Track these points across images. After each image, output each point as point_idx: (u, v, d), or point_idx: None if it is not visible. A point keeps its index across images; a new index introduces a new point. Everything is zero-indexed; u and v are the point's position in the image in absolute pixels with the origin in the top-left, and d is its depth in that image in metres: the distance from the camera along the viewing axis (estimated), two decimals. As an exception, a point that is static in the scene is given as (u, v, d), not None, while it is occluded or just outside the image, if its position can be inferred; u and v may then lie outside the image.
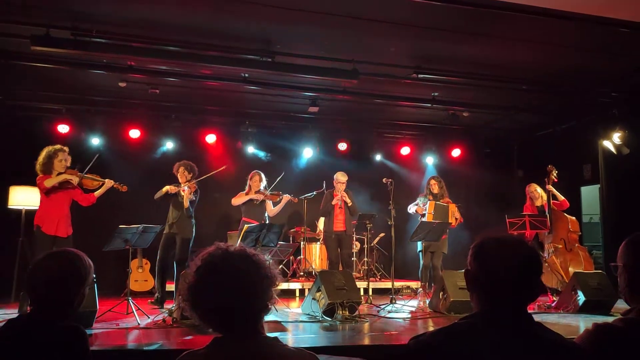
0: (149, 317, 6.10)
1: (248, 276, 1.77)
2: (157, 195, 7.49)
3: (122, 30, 6.47)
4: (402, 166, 11.49)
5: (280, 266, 8.92)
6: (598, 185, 9.79)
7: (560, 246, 8.01)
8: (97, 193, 6.83)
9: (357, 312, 6.51)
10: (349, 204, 8.60)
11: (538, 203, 8.35)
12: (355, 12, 5.99)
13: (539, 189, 8.34)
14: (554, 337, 1.77)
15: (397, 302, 7.65)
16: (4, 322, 2.35)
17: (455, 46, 6.97)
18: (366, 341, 5.22)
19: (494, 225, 8.49)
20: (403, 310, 7.27)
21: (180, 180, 7.57)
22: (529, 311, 1.84)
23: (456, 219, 8.43)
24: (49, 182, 6.38)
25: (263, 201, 8.43)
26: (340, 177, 8.68)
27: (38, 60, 7.04)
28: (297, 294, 9.22)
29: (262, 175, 8.52)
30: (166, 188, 7.48)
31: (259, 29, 6.55)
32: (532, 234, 8.01)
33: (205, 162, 8.31)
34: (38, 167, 6.49)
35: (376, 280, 9.98)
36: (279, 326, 5.93)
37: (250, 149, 10.49)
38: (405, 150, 11.41)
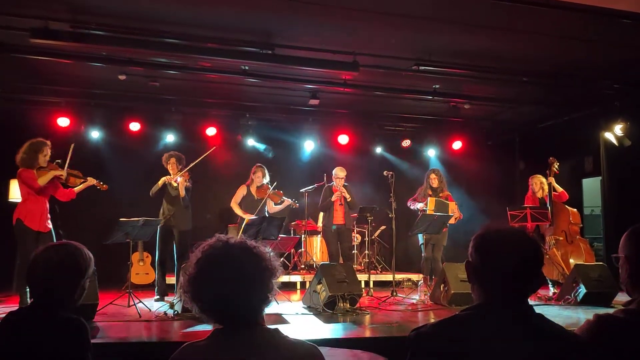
0: (150, 310, 6.11)
1: (248, 268, 1.77)
2: (154, 189, 7.48)
3: (122, 22, 6.44)
4: (403, 159, 11.48)
5: (281, 259, 8.93)
6: (599, 178, 9.77)
7: (561, 238, 8.02)
8: (77, 189, 6.77)
9: (358, 305, 6.52)
10: (348, 200, 8.60)
11: (539, 195, 8.34)
12: (356, 4, 5.96)
13: (543, 181, 8.31)
14: (555, 328, 1.77)
15: (398, 294, 7.66)
16: (4, 315, 2.36)
17: (457, 38, 6.94)
18: (367, 333, 5.23)
19: (495, 217, 8.48)
20: (404, 303, 7.28)
21: (170, 171, 7.57)
22: (530, 303, 1.84)
23: (456, 218, 8.43)
24: (42, 181, 6.31)
25: (264, 200, 8.48)
26: (339, 173, 8.66)
27: (37, 53, 7.01)
28: (298, 286, 9.24)
29: (266, 171, 8.57)
30: (163, 179, 7.47)
31: (259, 21, 6.52)
32: (533, 226, 8.01)
33: (212, 150, 8.27)
34: (19, 159, 6.38)
35: (377, 273, 9.99)
36: (279, 318, 5.94)
37: (250, 142, 10.49)
38: (406, 143, 11.39)
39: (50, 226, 6.50)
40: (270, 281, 1.81)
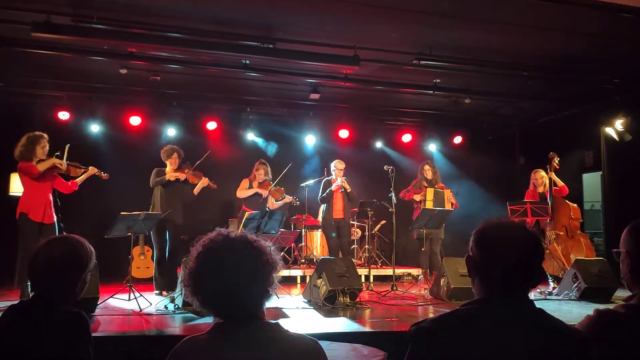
0: (150, 304, 6.12)
1: (249, 262, 1.77)
2: (159, 181, 7.46)
3: (123, 16, 6.43)
4: (404, 153, 11.47)
5: (282, 253, 8.94)
6: (600, 173, 9.77)
7: (561, 233, 8.02)
8: (79, 180, 6.80)
9: (358, 299, 6.53)
10: (348, 190, 8.63)
11: (540, 190, 8.33)
12: (357, -2, 5.95)
13: (545, 176, 8.30)
14: (555, 323, 1.78)
15: (398, 288, 7.67)
16: (5, 309, 2.36)
17: (457, 32, 6.93)
18: (367, 328, 5.24)
19: (496, 212, 8.48)
20: (404, 297, 7.29)
21: (170, 165, 7.54)
22: (530, 297, 1.84)
23: (452, 204, 8.45)
24: (42, 166, 6.33)
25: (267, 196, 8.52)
26: (338, 165, 8.74)
27: (38, 47, 7.01)
28: (299, 280, 9.25)
29: (268, 168, 8.60)
30: (175, 174, 7.46)
31: (260, 15, 6.51)
32: (533, 221, 8.01)
33: (206, 149, 8.28)
34: (18, 153, 6.39)
35: (377, 267, 10.00)
36: (280, 312, 5.95)
37: (251, 136, 10.49)
38: (406, 138, 11.40)
39: (55, 218, 6.52)
40: (270, 275, 1.81)
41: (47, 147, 6.57)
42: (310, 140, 10.86)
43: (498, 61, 7.80)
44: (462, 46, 7.36)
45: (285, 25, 6.83)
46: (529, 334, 1.72)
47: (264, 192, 8.43)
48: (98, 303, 5.76)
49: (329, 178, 8.80)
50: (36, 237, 6.04)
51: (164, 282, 7.31)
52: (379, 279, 9.43)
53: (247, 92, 9.59)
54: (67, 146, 6.78)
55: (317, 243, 10.22)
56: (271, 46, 7.03)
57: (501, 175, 11.05)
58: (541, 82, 8.74)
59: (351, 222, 9.37)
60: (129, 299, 6.21)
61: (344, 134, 10.85)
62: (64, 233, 5.40)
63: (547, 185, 8.18)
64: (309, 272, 8.83)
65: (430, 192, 8.45)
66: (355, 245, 10.20)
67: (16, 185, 8.37)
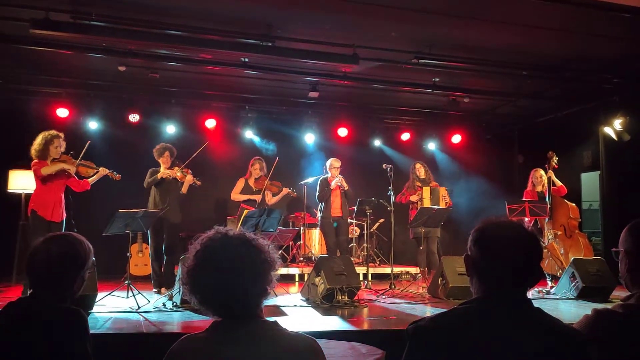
0: (148, 301, 6.12)
1: (247, 260, 1.76)
2: (151, 181, 7.45)
3: (122, 13, 6.41)
4: (402, 152, 11.46)
5: (280, 251, 8.94)
6: (598, 172, 9.78)
7: (560, 232, 8.03)
8: (91, 180, 6.84)
9: (356, 297, 6.53)
10: (346, 188, 8.65)
11: (539, 189, 8.35)
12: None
13: (544, 175, 8.32)
14: (553, 322, 1.78)
15: (396, 287, 7.68)
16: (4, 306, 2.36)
17: (457, 31, 6.92)
18: (365, 326, 5.24)
19: (494, 211, 8.49)
20: (402, 296, 7.29)
21: (162, 164, 7.54)
22: (528, 296, 1.85)
23: (446, 202, 8.45)
24: (46, 171, 6.37)
25: (263, 191, 8.51)
26: (335, 163, 8.75)
27: (37, 44, 6.99)
28: (297, 279, 9.25)
29: (263, 163, 8.59)
30: (166, 173, 7.46)
31: (260, 13, 6.50)
32: (531, 220, 8.03)
33: (205, 147, 8.27)
34: (33, 152, 6.48)
35: (375, 266, 10.00)
36: (278, 311, 5.95)
37: (249, 134, 10.48)
38: (405, 136, 11.40)
39: (64, 217, 6.54)
40: (269, 273, 1.81)
41: (63, 147, 6.62)
42: (309, 139, 10.85)
43: (497, 60, 7.80)
44: (461, 45, 7.35)
45: (284, 23, 6.82)
46: (527, 333, 1.72)
47: (257, 198, 8.43)
48: (96, 300, 5.77)
49: (326, 176, 8.81)
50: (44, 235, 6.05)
51: (162, 280, 7.30)
52: (377, 277, 9.44)
53: (246, 90, 9.59)
54: (88, 143, 6.84)
55: (315, 241, 10.22)
56: (270, 44, 7.02)
57: (500, 174, 11.05)
58: (540, 81, 8.75)
59: (349, 220, 9.36)
60: (127, 297, 6.21)
61: (342, 132, 10.84)
62: (75, 230, 5.39)
63: (546, 184, 8.19)
64: (307, 270, 8.83)
65: (426, 191, 8.48)
66: (353, 244, 10.20)
67: (15, 182, 8.38)
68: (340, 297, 6.28)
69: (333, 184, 8.62)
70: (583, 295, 6.90)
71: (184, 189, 7.59)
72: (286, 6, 6.30)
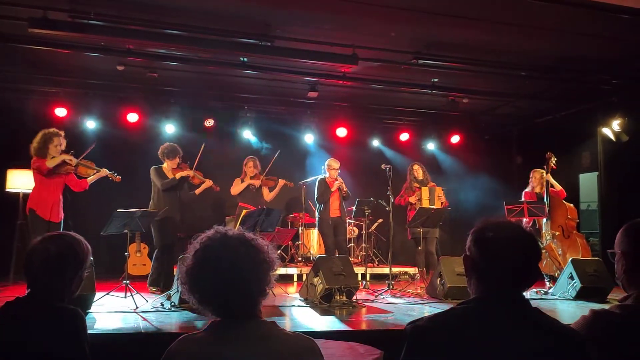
0: (146, 301, 6.12)
1: (246, 260, 1.77)
2: (170, 182, 7.42)
3: (120, 12, 6.41)
4: (401, 152, 11.47)
5: (279, 251, 8.94)
6: (596, 173, 9.79)
7: (558, 233, 8.04)
8: (90, 179, 6.82)
9: (354, 297, 6.53)
10: (344, 193, 8.67)
11: (538, 190, 8.36)
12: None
13: (543, 176, 8.32)
14: (551, 322, 1.78)
15: (394, 287, 7.68)
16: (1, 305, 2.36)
17: (456, 32, 6.93)
18: (363, 326, 5.24)
19: (493, 211, 8.50)
20: (400, 296, 7.29)
21: (170, 165, 7.52)
22: (526, 297, 1.85)
23: (442, 202, 8.46)
24: (51, 163, 6.36)
25: (260, 187, 8.51)
26: (333, 164, 8.72)
27: (35, 43, 6.98)
28: (295, 279, 9.24)
29: (257, 161, 8.60)
30: (186, 174, 7.46)
31: (259, 13, 6.49)
32: (530, 221, 8.04)
33: (204, 146, 8.26)
34: (33, 150, 6.46)
35: (374, 266, 10.01)
36: (276, 310, 5.95)
37: (247, 134, 10.47)
38: (404, 137, 11.40)
39: (62, 216, 6.53)
40: (268, 274, 1.81)
41: (63, 145, 6.60)
42: (307, 139, 10.85)
43: (496, 61, 7.81)
44: (460, 45, 7.36)
45: (283, 23, 6.82)
46: (525, 333, 1.72)
47: (256, 182, 8.44)
48: (94, 300, 5.76)
49: (324, 177, 8.79)
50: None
51: (161, 280, 7.29)
52: (376, 277, 9.44)
53: (245, 89, 9.58)
54: (93, 145, 6.89)
55: (313, 241, 10.22)
56: (269, 44, 7.02)
57: (498, 174, 11.06)
58: (539, 82, 8.75)
59: (348, 220, 9.37)
60: (125, 296, 6.21)
61: (341, 132, 10.83)
62: (71, 230, 5.39)
63: (545, 185, 8.21)
64: (305, 270, 8.82)
65: (425, 191, 8.50)
66: (352, 244, 10.20)
67: (13, 182, 8.37)
68: (338, 297, 6.28)
69: (334, 188, 8.61)
70: (581, 295, 6.91)
71: (199, 191, 7.67)
72: (285, 6, 6.30)
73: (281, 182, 8.67)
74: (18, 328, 2.24)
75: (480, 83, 8.93)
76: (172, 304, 5.87)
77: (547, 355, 1.69)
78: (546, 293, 7.47)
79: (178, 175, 7.42)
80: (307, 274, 6.96)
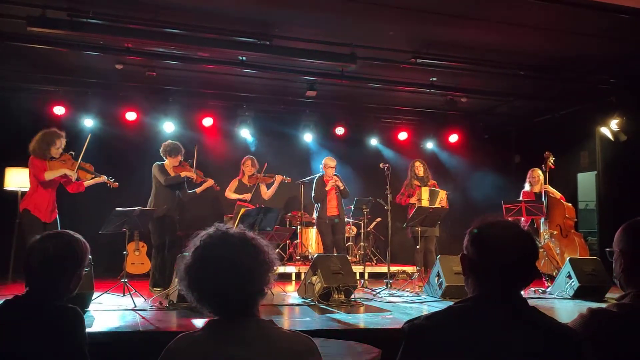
0: (145, 299, 6.11)
1: (246, 260, 1.76)
2: (174, 180, 7.43)
3: (119, 11, 6.41)
4: (399, 151, 11.47)
5: (277, 250, 8.94)
6: (595, 172, 9.80)
7: (556, 232, 8.05)
8: (87, 183, 6.77)
9: (352, 296, 6.54)
10: (341, 188, 8.65)
11: (536, 189, 8.37)
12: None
13: (541, 175, 8.32)
14: (548, 321, 1.78)
15: (392, 286, 7.68)
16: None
17: (455, 31, 6.93)
18: (361, 325, 5.24)
19: (491, 210, 8.50)
20: (398, 295, 7.30)
21: (171, 162, 7.52)
22: (524, 296, 1.85)
23: (442, 206, 8.44)
24: (49, 175, 6.27)
25: (257, 185, 8.51)
26: (330, 162, 8.72)
27: (34, 42, 6.97)
28: (293, 277, 9.24)
29: (255, 161, 8.60)
30: (190, 174, 7.46)
31: (257, 12, 6.50)
32: (528, 220, 8.05)
33: (202, 145, 8.29)
34: (32, 149, 6.36)
35: (372, 265, 10.02)
36: (274, 309, 5.95)
37: (244, 133, 10.46)
38: (402, 136, 11.40)
39: (56, 216, 6.50)
40: (267, 274, 1.81)
41: (63, 145, 6.52)
42: (306, 137, 10.84)
43: (494, 60, 7.82)
44: (459, 45, 7.36)
45: (282, 22, 6.83)
46: (523, 332, 1.72)
47: (248, 197, 8.44)
48: (92, 299, 5.75)
49: (321, 175, 8.79)
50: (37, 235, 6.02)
51: (160, 278, 7.30)
52: (374, 276, 9.44)
53: (244, 88, 9.58)
54: (89, 137, 6.79)
55: (312, 240, 10.22)
56: (268, 43, 7.03)
57: (497, 173, 11.07)
58: (537, 81, 8.76)
59: (346, 219, 9.37)
60: (124, 295, 6.21)
61: (340, 131, 10.83)
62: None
63: (543, 184, 8.22)
64: (303, 269, 8.83)
65: (425, 192, 8.47)
66: (350, 243, 10.21)
67: (11, 180, 8.35)
68: (336, 296, 6.28)
69: (328, 187, 8.60)
70: (579, 294, 6.92)
71: (200, 190, 7.69)
72: (284, 5, 6.30)
73: (278, 177, 8.64)
74: (17, 327, 2.24)
75: (479, 82, 8.94)
76: (171, 302, 5.87)
77: (545, 354, 1.70)
78: (544, 292, 7.48)
79: (183, 174, 7.43)
80: (305, 272, 6.97)
